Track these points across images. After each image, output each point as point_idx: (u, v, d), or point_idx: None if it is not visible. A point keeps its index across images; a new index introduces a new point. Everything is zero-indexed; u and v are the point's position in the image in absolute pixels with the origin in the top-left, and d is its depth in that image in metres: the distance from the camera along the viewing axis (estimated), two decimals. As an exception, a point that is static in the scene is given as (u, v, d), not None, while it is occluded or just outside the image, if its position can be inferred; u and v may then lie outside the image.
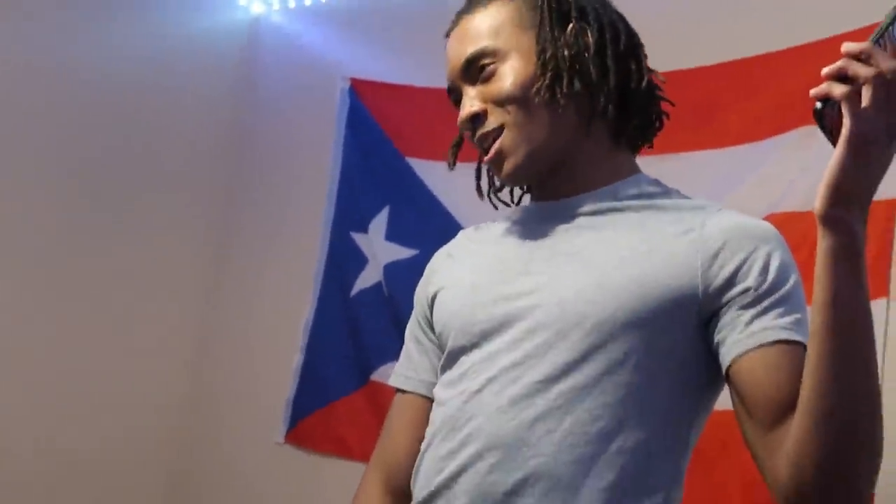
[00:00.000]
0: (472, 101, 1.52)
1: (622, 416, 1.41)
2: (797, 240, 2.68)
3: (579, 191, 1.57)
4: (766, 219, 2.70)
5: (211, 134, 3.98)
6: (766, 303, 1.42)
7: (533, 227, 1.60)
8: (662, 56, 1.62)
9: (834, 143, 1.23)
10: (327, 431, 3.46)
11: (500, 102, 1.51)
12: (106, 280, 3.69)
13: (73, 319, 3.63)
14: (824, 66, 2.75)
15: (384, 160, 3.53)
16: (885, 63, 1.15)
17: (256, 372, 3.74)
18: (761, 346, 1.39)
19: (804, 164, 2.72)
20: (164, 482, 3.83)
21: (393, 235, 3.45)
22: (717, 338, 1.42)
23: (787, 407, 1.33)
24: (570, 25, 1.53)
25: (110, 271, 3.71)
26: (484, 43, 1.52)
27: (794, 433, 1.28)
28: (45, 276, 3.57)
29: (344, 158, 3.65)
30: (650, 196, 1.56)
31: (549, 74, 1.50)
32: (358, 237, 3.54)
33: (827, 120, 1.23)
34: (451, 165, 1.68)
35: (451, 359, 1.57)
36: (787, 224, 2.70)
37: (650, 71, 1.59)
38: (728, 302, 1.42)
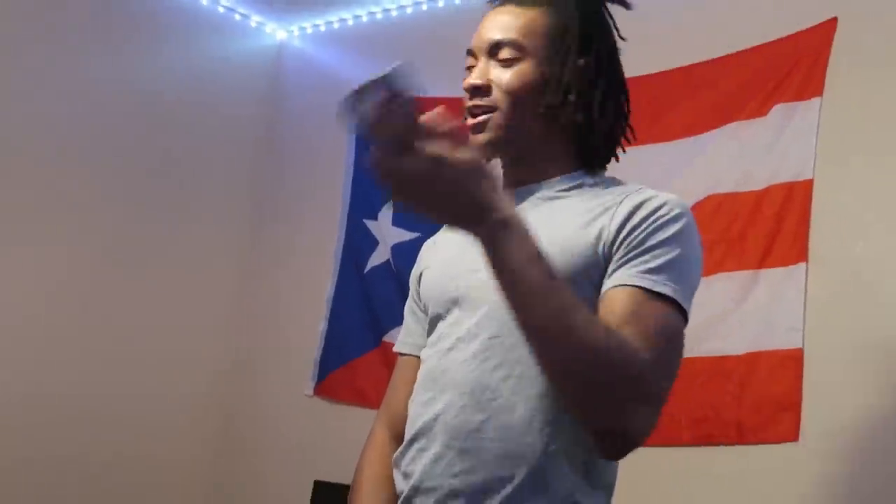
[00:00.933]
0: (483, 75, 1.52)
1: None
2: (731, 216, 2.70)
3: (536, 180, 1.57)
4: (706, 199, 2.74)
5: (246, 139, 4.00)
6: (631, 254, 1.42)
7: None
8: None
9: None
10: (349, 385, 3.49)
11: (503, 89, 1.51)
12: (162, 258, 3.74)
13: (136, 290, 3.66)
14: (750, 71, 2.76)
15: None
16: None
17: (288, 337, 3.75)
18: (607, 290, 1.41)
19: (735, 153, 2.75)
20: (212, 429, 3.85)
21: (398, 222, 3.46)
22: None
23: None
24: (582, 61, 1.54)
25: (166, 250, 3.75)
26: (515, 36, 1.52)
27: None
28: (119, 252, 3.62)
29: (356, 159, 3.67)
30: (589, 185, 1.56)
31: (549, 93, 1.52)
32: (369, 223, 3.56)
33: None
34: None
35: (432, 325, 1.60)
36: (724, 203, 2.72)
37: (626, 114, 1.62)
38: (614, 259, 1.43)
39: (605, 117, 1.57)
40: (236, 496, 3.75)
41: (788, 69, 2.69)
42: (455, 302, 1.54)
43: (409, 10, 3.67)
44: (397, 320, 3.20)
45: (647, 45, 2.78)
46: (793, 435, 2.51)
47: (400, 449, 1.56)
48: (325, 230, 3.68)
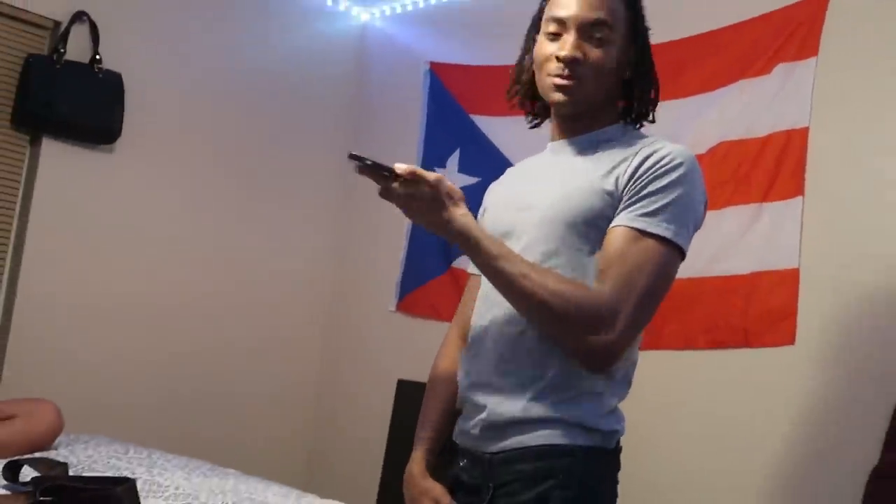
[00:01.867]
0: (578, 49, 1.51)
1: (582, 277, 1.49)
2: (739, 159, 2.70)
3: (584, 132, 1.60)
4: (718, 146, 2.74)
5: (338, 105, 4.02)
6: (633, 199, 1.47)
7: (547, 160, 1.65)
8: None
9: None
10: (424, 302, 3.54)
11: (594, 65, 1.52)
12: (277, 200, 3.80)
13: (257, 221, 3.74)
14: (755, 36, 2.72)
15: (454, 117, 3.56)
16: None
17: (375, 264, 3.82)
18: (610, 228, 1.47)
19: (742, 106, 2.74)
20: (315, 339, 3.93)
21: (463, 168, 3.49)
22: None
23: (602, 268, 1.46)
24: (639, 47, 1.58)
25: (280, 195, 3.81)
26: (608, 18, 1.52)
27: None
28: (235, 204, 3.66)
29: (428, 118, 3.69)
30: (620, 138, 1.58)
31: (623, 71, 1.57)
32: (440, 170, 3.57)
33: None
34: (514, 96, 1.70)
35: None
36: (733, 148, 2.72)
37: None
38: (622, 202, 1.48)
39: (647, 88, 1.61)
40: (338, 392, 3.85)
41: (789, 34, 2.66)
42: (505, 235, 1.57)
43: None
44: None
45: (669, 16, 2.77)
46: (790, 339, 2.53)
47: (462, 351, 1.62)
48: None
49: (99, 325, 3.28)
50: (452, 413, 1.64)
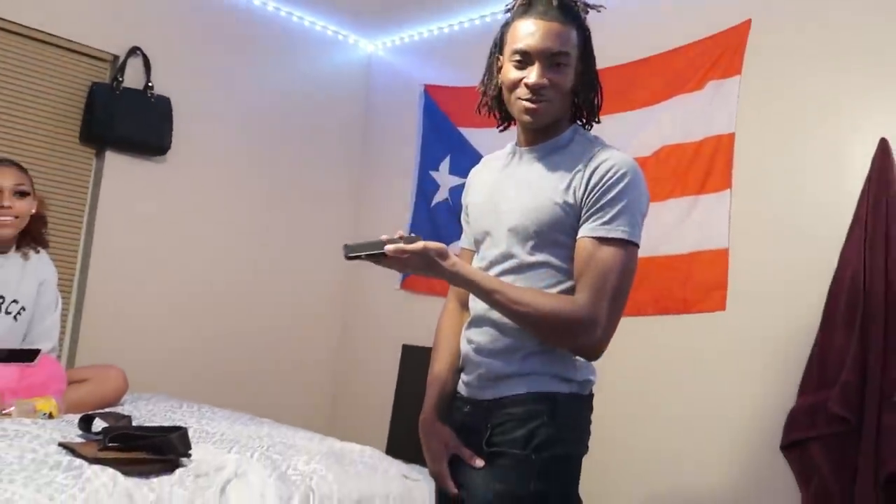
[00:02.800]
0: (543, 76, 1.49)
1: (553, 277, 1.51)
2: (678, 159, 2.72)
3: (543, 141, 1.58)
4: (660, 149, 2.74)
5: (348, 123, 4.00)
6: (591, 211, 1.48)
7: (515, 161, 1.62)
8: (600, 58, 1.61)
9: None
10: (422, 282, 3.52)
11: (558, 88, 1.51)
12: (297, 203, 3.77)
13: (282, 219, 3.71)
14: (689, 59, 2.73)
15: (445, 129, 3.56)
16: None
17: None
18: (578, 239, 1.48)
19: (680, 116, 2.76)
20: (333, 312, 3.92)
21: (453, 171, 3.49)
22: None
23: (577, 277, 1.48)
24: (588, 67, 1.57)
25: (300, 196, 3.78)
26: (567, 49, 1.50)
27: None
28: (264, 204, 3.64)
29: (423, 131, 3.69)
30: (574, 142, 1.57)
31: (580, 88, 1.56)
32: (433, 174, 3.59)
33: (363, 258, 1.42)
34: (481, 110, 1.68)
35: (477, 246, 1.65)
36: (673, 151, 2.74)
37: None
38: (582, 214, 1.49)
39: (592, 94, 1.60)
40: (354, 355, 3.87)
41: (717, 56, 2.67)
42: (487, 233, 1.59)
43: (466, 24, 3.63)
44: (453, 237, 3.30)
45: (619, 44, 2.78)
46: (721, 306, 2.54)
47: (465, 324, 1.63)
48: (404, 179, 3.71)
49: (156, 304, 3.30)
50: (456, 370, 1.65)
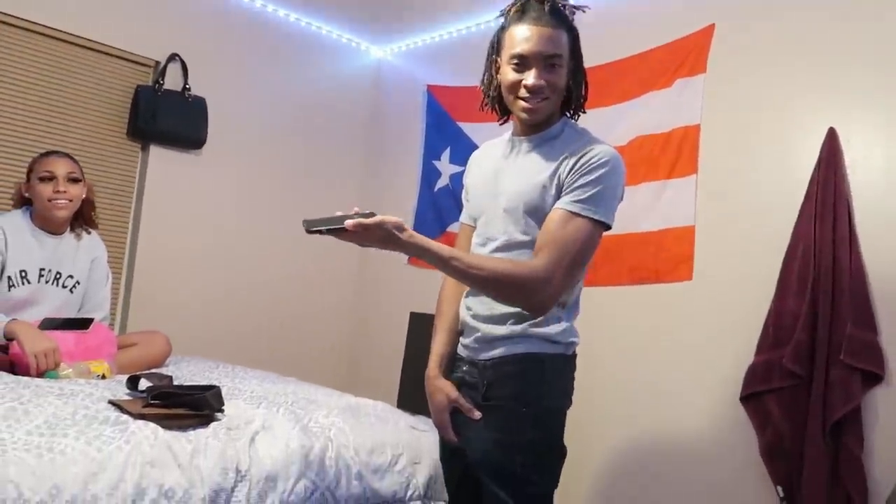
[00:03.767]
0: (540, 78, 1.44)
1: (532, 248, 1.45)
2: (650, 148, 2.64)
3: (538, 132, 1.52)
4: (634, 139, 2.66)
5: (360, 119, 3.91)
6: (570, 188, 1.42)
7: (512, 151, 1.56)
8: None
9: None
10: (427, 257, 3.46)
11: (554, 88, 1.46)
12: (311, 194, 3.69)
13: (297, 207, 3.63)
14: (659, 60, 2.66)
15: (446, 124, 3.47)
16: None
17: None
18: (553, 209, 1.43)
19: (651, 110, 2.68)
20: (348, 286, 3.86)
21: (453, 161, 3.40)
22: None
23: (540, 245, 1.42)
24: (577, 65, 1.51)
25: (307, 197, 3.69)
26: (559, 51, 1.44)
27: None
28: (286, 190, 3.57)
29: (426, 126, 3.59)
30: (565, 133, 1.52)
31: (573, 85, 1.50)
32: (436, 162, 3.50)
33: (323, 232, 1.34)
34: (483, 108, 1.62)
35: (475, 223, 1.60)
36: (645, 141, 2.66)
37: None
38: (563, 192, 1.44)
39: (579, 87, 1.53)
40: (368, 321, 3.81)
41: (684, 57, 2.58)
42: (484, 213, 1.54)
43: (464, 31, 3.54)
44: (453, 218, 3.26)
45: (597, 46, 2.71)
46: (689, 276, 2.48)
47: (464, 294, 1.59)
48: (410, 167, 3.63)
49: (195, 279, 3.25)
50: (456, 333, 1.61)
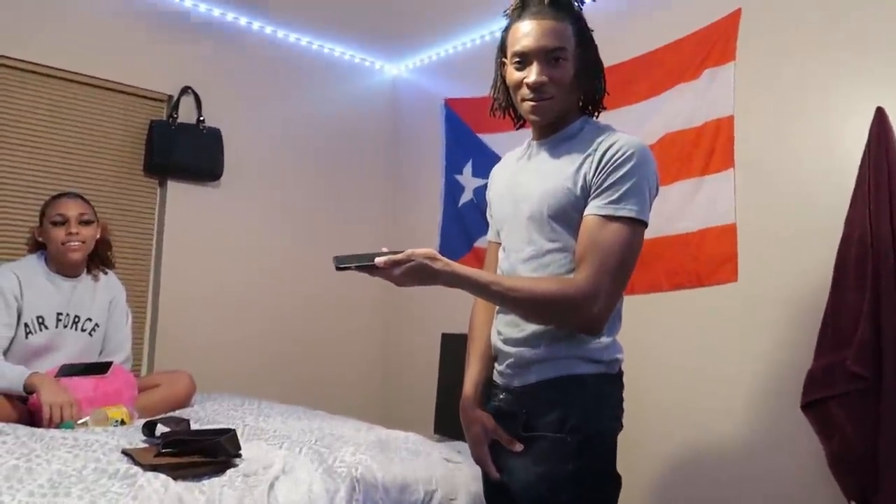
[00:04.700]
0: (542, 74, 1.31)
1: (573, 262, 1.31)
2: (681, 145, 2.46)
3: (554, 132, 1.40)
4: (664, 136, 2.48)
5: (379, 139, 3.81)
6: (599, 190, 1.28)
7: (530, 154, 1.44)
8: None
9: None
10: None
11: (558, 83, 1.33)
12: (337, 210, 3.59)
13: (324, 224, 3.53)
14: (686, 51, 2.50)
15: (466, 137, 3.34)
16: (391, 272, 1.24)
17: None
18: (584, 216, 1.29)
19: (681, 105, 2.50)
20: (379, 307, 3.73)
21: (475, 174, 3.27)
22: None
23: (579, 257, 1.28)
24: (587, 56, 1.37)
25: (340, 203, 3.60)
26: (562, 44, 1.32)
27: None
28: (306, 217, 3.48)
29: (446, 140, 3.47)
30: (584, 131, 1.38)
31: (580, 79, 1.36)
32: (458, 177, 3.37)
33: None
34: (493, 112, 1.49)
35: (500, 237, 1.48)
36: (676, 137, 2.49)
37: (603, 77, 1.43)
38: (590, 194, 1.29)
39: (595, 77, 1.39)
40: (397, 347, 3.68)
41: (711, 45, 2.41)
42: (507, 223, 1.42)
43: (477, 41, 3.43)
44: (481, 232, 3.11)
45: (619, 42, 2.56)
46: (734, 277, 2.29)
47: (494, 316, 1.46)
48: (432, 183, 3.50)
49: (220, 312, 3.16)
50: (490, 358, 1.47)
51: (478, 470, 1.47)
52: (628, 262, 1.28)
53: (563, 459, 1.28)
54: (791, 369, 2.09)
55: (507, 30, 1.39)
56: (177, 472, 1.43)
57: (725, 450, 2.28)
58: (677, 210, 2.43)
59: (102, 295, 2.39)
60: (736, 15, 2.36)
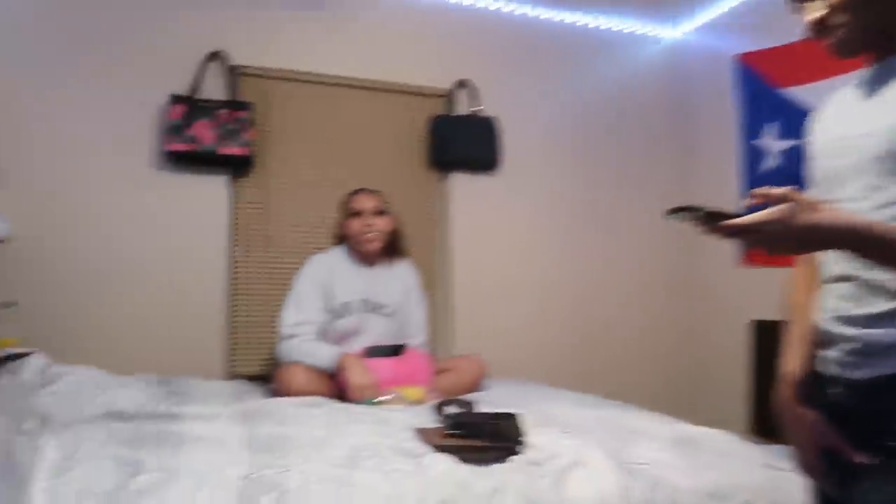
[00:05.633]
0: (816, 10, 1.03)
1: None
2: None
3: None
4: None
5: (661, 111, 3.46)
6: None
7: (866, 83, 1.08)
8: None
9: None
10: (762, 256, 2.87)
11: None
12: (618, 203, 3.36)
13: (604, 221, 3.33)
14: None
15: (766, 94, 2.87)
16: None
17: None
18: None
19: None
20: (676, 291, 3.40)
21: (784, 134, 2.79)
22: None
23: None
24: None
25: (615, 202, 3.36)
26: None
27: None
28: (585, 205, 3.30)
29: (742, 101, 3.02)
30: None
31: None
32: (757, 142, 2.91)
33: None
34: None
35: (824, 193, 1.11)
36: None
37: None
38: None
39: None
40: (699, 336, 3.31)
41: None
42: (839, 172, 1.08)
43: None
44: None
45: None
46: None
47: (821, 289, 1.12)
48: (727, 155, 3.08)
49: (508, 298, 3.13)
50: (812, 344, 1.14)
51: (806, 481, 1.16)
52: None
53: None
54: None
55: None
56: (462, 455, 1.36)
57: None
58: None
59: (399, 281, 2.50)
60: None
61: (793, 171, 2.65)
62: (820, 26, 1.03)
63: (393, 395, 2.04)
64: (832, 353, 1.08)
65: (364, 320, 2.42)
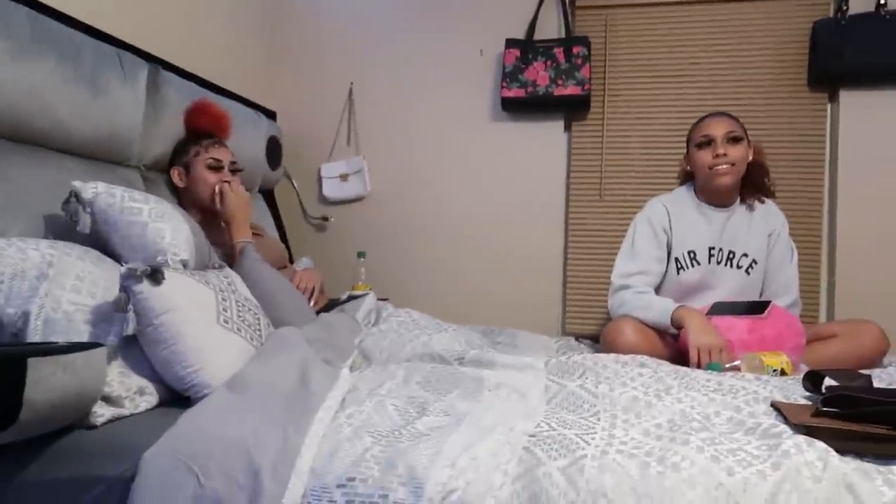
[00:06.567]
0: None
1: None
2: None
3: None
4: None
5: None
6: None
7: None
8: None
9: None
10: None
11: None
12: None
13: None
14: None
15: None
16: None
17: None
18: None
19: None
20: None
21: None
22: None
23: None
24: None
25: None
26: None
27: None
28: None
29: None
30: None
31: None
32: None
33: None
34: None
35: None
36: None
37: None
38: None
39: None
40: None
41: None
42: None
43: None
44: None
45: None
46: None
47: None
48: None
49: None
50: None
51: None
52: None
53: None
54: None
55: None
56: (840, 443, 0.93)
57: None
58: None
59: (759, 227, 2.01)
60: None
61: None
62: None
63: (746, 362, 1.61)
64: None
65: (713, 272, 2.00)
